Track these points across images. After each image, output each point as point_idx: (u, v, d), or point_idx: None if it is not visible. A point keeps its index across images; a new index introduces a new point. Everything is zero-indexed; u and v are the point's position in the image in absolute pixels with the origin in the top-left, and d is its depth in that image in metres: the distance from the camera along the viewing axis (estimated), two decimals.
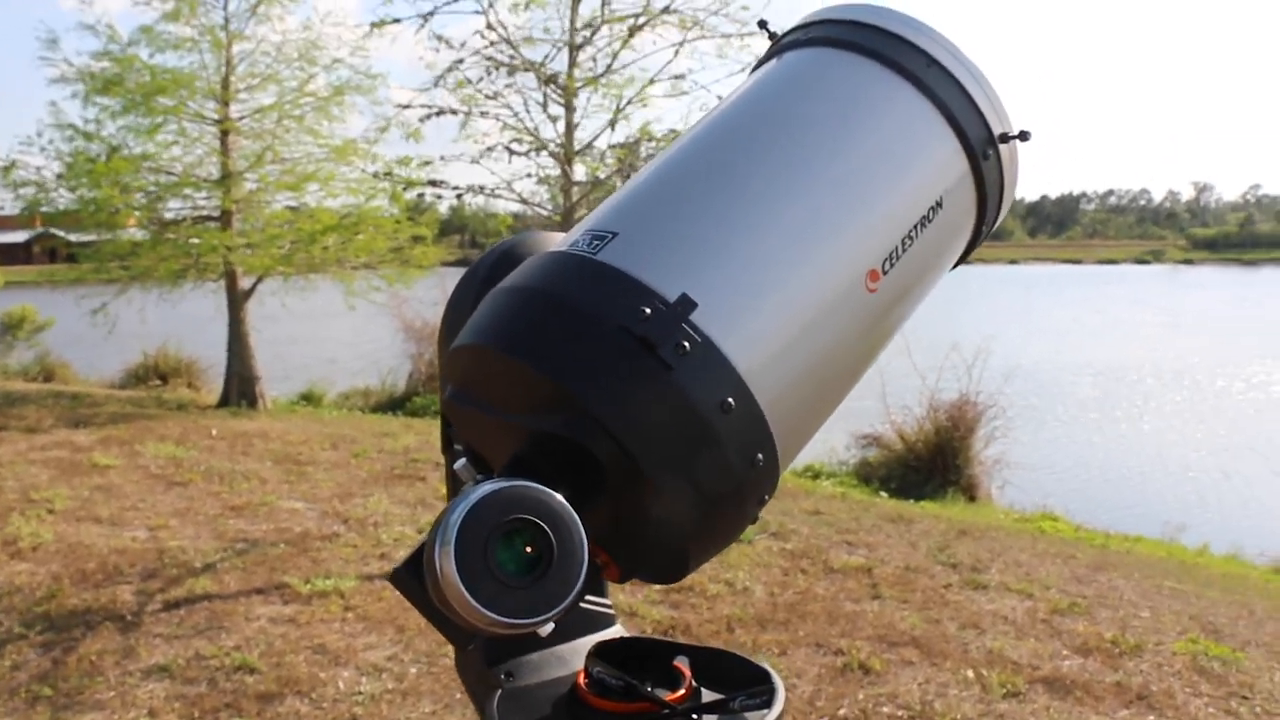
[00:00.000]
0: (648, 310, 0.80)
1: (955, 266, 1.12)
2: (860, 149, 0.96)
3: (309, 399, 12.07)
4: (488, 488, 0.73)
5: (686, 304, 0.81)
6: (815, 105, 1.00)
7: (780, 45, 1.10)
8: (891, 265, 0.93)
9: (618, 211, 0.92)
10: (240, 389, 10.51)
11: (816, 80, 1.02)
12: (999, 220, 1.12)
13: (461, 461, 0.91)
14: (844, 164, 0.95)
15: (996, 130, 1.02)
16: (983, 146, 1.01)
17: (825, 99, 1.00)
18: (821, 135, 0.96)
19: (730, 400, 0.81)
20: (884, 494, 8.44)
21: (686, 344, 0.79)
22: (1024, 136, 1.05)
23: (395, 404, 11.92)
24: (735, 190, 0.90)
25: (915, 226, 0.96)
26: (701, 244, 0.86)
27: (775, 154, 0.94)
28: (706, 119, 1.02)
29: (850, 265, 0.91)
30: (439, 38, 6.85)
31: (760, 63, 1.12)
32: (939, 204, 0.98)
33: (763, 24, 1.16)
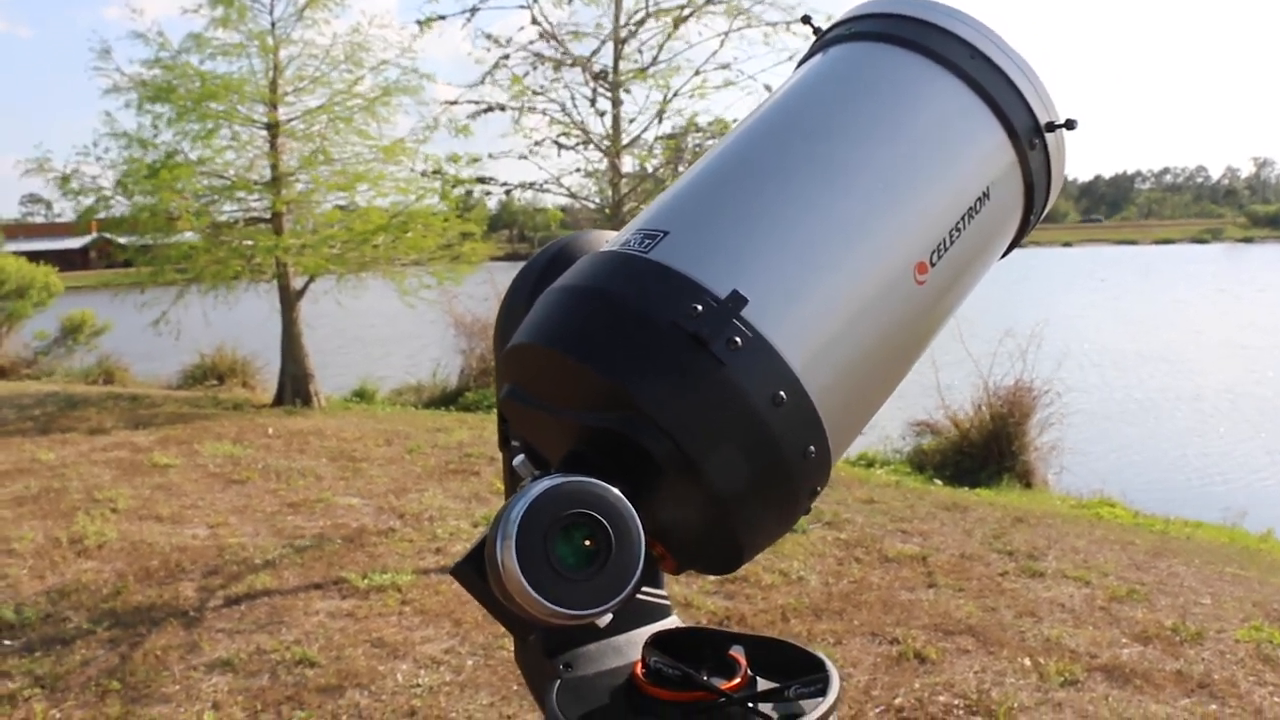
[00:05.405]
0: (699, 307, 0.81)
1: (1004, 255, 1.12)
2: (905, 142, 0.97)
3: (362, 396, 12.17)
4: (547, 483, 0.75)
5: (737, 300, 0.82)
6: (860, 101, 1.00)
7: (824, 40, 1.10)
8: (939, 257, 0.94)
9: (668, 210, 0.93)
10: (294, 387, 10.64)
11: (860, 75, 1.03)
12: (1046, 209, 1.12)
13: (520, 458, 0.93)
14: (889, 158, 0.95)
15: (1043, 119, 1.02)
16: (1029, 136, 1.01)
17: (869, 94, 1.00)
18: (866, 130, 0.97)
19: (782, 394, 0.82)
20: (938, 481, 8.37)
21: (738, 339, 0.81)
22: (1070, 125, 1.04)
23: (448, 399, 11.99)
24: (782, 187, 0.91)
25: (962, 218, 0.96)
26: (750, 241, 0.87)
27: (821, 150, 0.94)
28: (752, 116, 1.03)
29: (898, 258, 0.92)
30: (486, 35, 6.89)
31: (805, 58, 1.12)
32: (986, 195, 0.98)
33: (807, 19, 1.16)
